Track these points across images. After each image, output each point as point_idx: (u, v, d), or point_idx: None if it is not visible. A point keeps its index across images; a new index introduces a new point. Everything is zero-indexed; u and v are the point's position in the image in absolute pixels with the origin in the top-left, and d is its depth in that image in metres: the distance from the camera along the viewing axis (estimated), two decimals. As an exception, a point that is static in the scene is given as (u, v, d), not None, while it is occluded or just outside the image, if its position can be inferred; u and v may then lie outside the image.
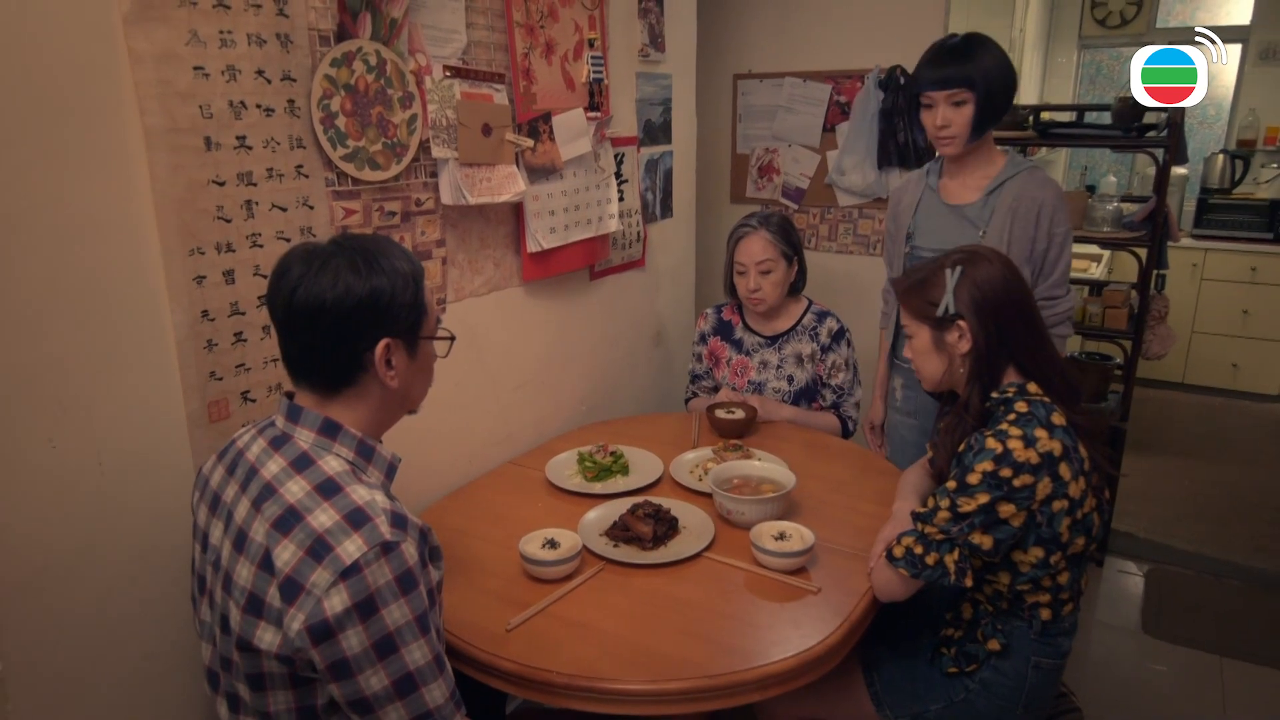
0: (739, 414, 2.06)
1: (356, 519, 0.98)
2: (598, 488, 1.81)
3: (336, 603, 0.93)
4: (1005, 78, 1.86)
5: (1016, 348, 1.39)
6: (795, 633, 1.32)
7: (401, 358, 1.11)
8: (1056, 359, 1.42)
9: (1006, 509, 1.28)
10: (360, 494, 1.01)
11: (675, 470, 1.87)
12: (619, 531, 1.58)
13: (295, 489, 1.01)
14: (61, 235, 1.15)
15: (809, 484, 1.79)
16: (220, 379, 1.38)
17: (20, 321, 1.11)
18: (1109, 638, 2.59)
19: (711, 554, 1.54)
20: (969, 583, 1.31)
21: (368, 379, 1.09)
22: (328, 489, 1.01)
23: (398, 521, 1.00)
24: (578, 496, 1.78)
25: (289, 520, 0.98)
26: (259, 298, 1.41)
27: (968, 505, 1.29)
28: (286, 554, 0.96)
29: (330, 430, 1.07)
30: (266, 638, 0.97)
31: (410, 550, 0.99)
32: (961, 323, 1.39)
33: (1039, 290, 1.90)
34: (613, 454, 1.90)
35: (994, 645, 1.41)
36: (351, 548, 0.95)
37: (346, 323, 1.04)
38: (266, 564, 0.97)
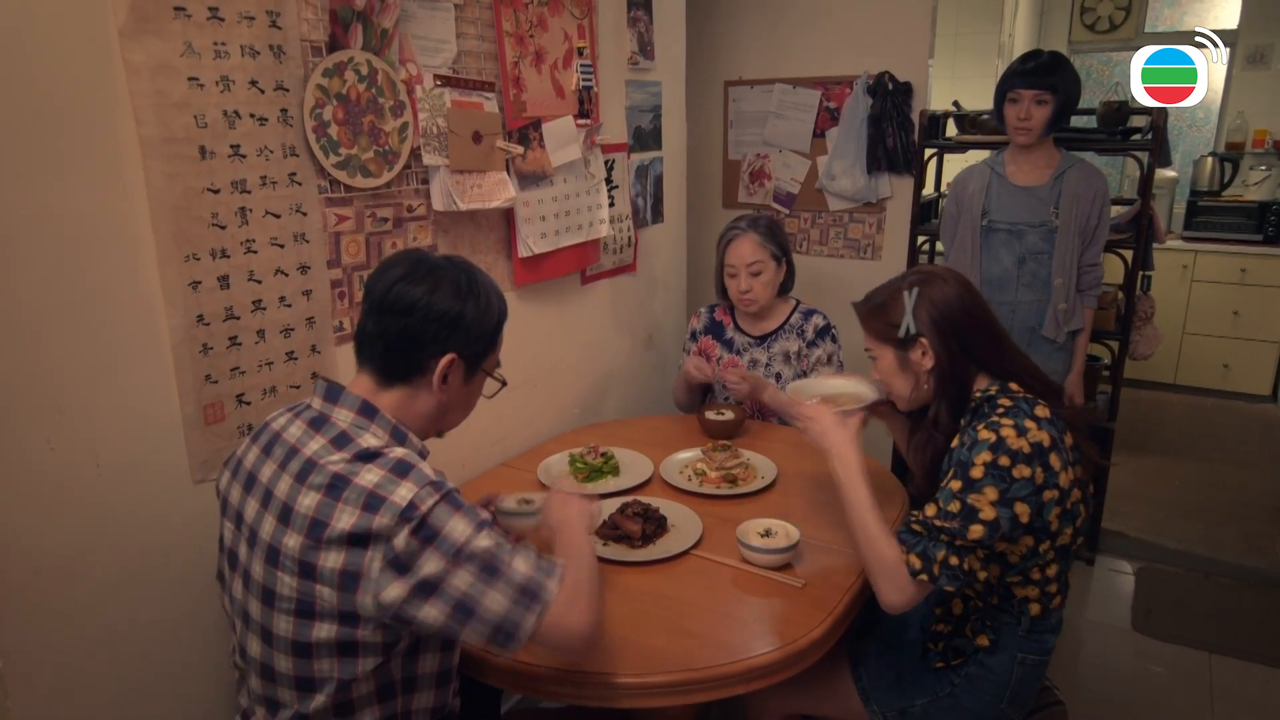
0: (728, 415, 2.09)
1: (401, 469, 1.05)
2: (589, 488, 1.83)
3: (403, 540, 1.01)
4: (1078, 91, 2.41)
5: (984, 358, 1.42)
6: (780, 627, 1.35)
7: (458, 378, 1.19)
8: (1025, 362, 1.44)
9: (1021, 508, 1.28)
10: (398, 451, 1.09)
11: (665, 471, 1.90)
12: (608, 530, 1.60)
13: (337, 459, 1.07)
14: (60, 242, 1.18)
15: (794, 482, 1.82)
16: (215, 382, 1.40)
17: (20, 326, 1.14)
18: (1100, 636, 2.61)
19: (699, 552, 1.57)
20: (983, 575, 1.33)
21: (422, 383, 1.17)
22: (367, 456, 1.08)
23: (439, 474, 1.08)
24: (569, 497, 1.80)
25: (338, 485, 1.04)
26: (253, 302, 1.44)
27: (982, 506, 1.28)
28: (345, 516, 1.02)
29: (368, 412, 1.14)
30: (325, 593, 1.03)
31: (453, 487, 1.08)
32: (923, 340, 1.42)
33: (1085, 258, 2.48)
34: (604, 455, 1.93)
35: (982, 640, 1.43)
36: (404, 492, 1.03)
37: (429, 326, 1.13)
38: (316, 530, 1.03)
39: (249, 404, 1.46)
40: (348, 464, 1.06)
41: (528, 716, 1.75)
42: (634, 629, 1.35)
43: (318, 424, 1.13)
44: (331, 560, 1.02)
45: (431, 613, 1.02)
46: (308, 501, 1.04)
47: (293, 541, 1.04)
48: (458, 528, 1.04)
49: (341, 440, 1.10)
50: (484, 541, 1.05)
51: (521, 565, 1.07)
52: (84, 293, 1.21)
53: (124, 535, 1.30)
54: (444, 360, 1.15)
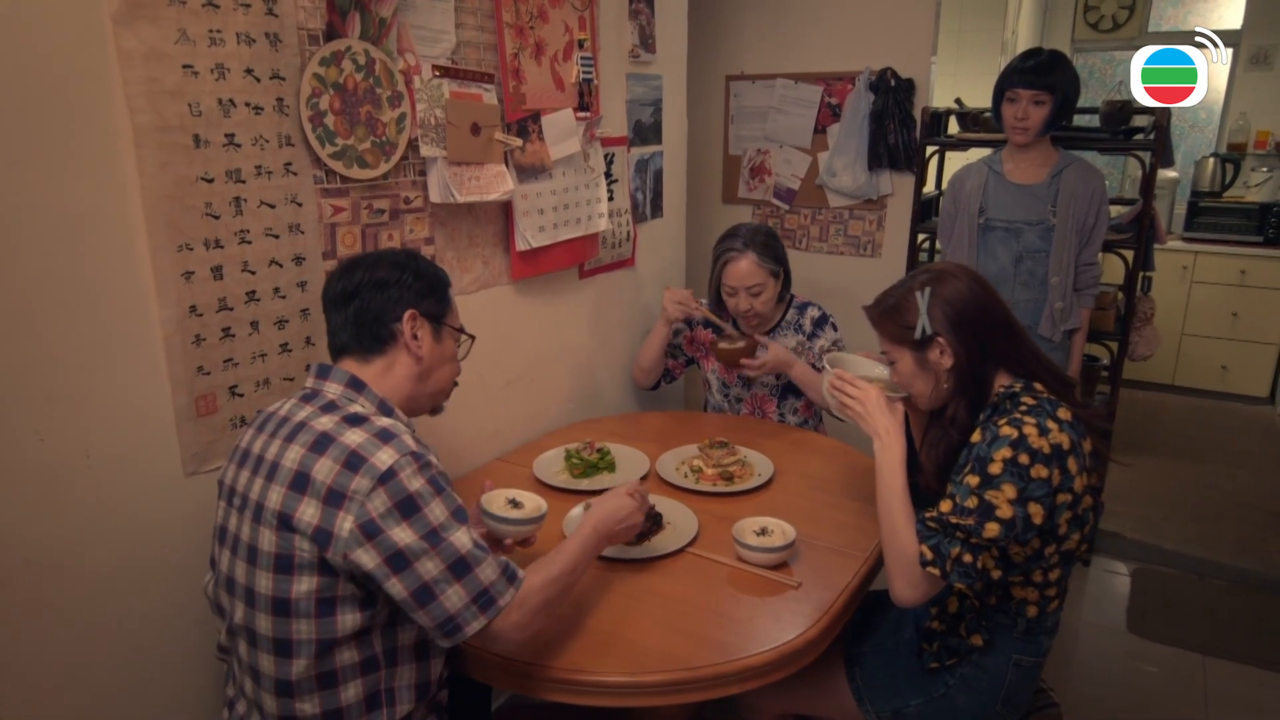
0: (740, 342, 2.18)
1: (385, 436, 1.12)
2: (584, 484, 1.83)
3: (379, 504, 1.06)
4: (1076, 90, 2.40)
5: (1001, 355, 1.40)
6: (775, 626, 1.34)
7: (426, 335, 1.28)
8: (1042, 358, 1.43)
9: (1035, 509, 1.27)
10: (384, 421, 1.15)
11: (661, 467, 1.89)
12: (604, 527, 1.59)
13: (325, 421, 1.14)
14: (51, 231, 1.16)
15: (791, 480, 1.81)
16: (208, 374, 1.39)
17: (9, 316, 1.13)
18: (1095, 636, 2.61)
19: (695, 550, 1.56)
20: (996, 575, 1.32)
21: (396, 349, 1.26)
22: (354, 420, 1.14)
23: (421, 446, 1.14)
24: (564, 493, 1.79)
25: (323, 442, 1.11)
26: (246, 294, 1.43)
27: (999, 503, 1.26)
28: (324, 470, 1.08)
29: (356, 385, 1.22)
30: (303, 544, 1.08)
31: (436, 463, 1.14)
32: (941, 339, 1.41)
33: (1082, 257, 2.48)
34: (600, 451, 1.92)
35: (977, 640, 1.42)
36: (385, 456, 1.08)
37: (378, 294, 1.24)
38: (299, 483, 1.09)
39: (242, 396, 1.45)
40: (336, 424, 1.13)
41: (518, 713, 1.75)
42: (628, 627, 1.34)
43: (309, 397, 1.21)
44: (309, 514, 1.07)
45: (396, 587, 1.06)
46: (292, 456, 1.11)
47: (275, 495, 1.10)
48: (435, 509, 1.09)
49: (330, 407, 1.17)
50: (460, 535, 1.10)
51: (489, 569, 1.11)
52: (75, 283, 1.20)
53: (115, 528, 1.29)
54: (406, 317, 1.25)
